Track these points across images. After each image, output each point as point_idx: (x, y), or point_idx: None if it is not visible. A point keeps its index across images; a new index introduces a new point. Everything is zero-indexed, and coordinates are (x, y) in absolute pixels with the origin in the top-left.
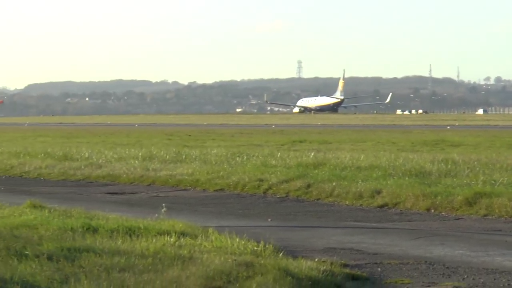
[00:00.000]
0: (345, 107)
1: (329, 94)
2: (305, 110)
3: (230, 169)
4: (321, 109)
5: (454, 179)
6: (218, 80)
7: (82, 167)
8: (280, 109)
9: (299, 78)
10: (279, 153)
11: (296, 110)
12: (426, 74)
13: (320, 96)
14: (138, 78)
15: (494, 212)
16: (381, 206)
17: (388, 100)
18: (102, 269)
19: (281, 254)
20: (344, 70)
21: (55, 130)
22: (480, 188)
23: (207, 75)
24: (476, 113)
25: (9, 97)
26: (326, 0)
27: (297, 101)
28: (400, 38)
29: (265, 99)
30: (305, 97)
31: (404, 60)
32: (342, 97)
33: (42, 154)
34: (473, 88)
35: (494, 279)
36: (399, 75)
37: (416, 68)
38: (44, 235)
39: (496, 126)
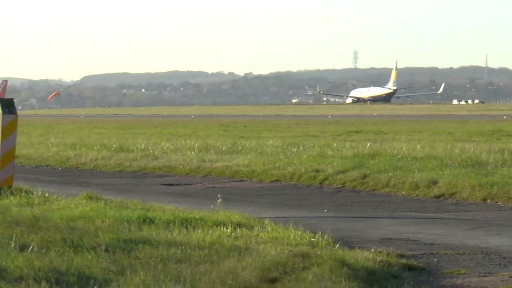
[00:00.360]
0: (397, 98)
1: (385, 84)
2: (358, 100)
3: (286, 160)
4: (374, 100)
5: (511, 169)
6: (274, 71)
7: (138, 158)
8: (336, 100)
9: (355, 69)
10: (335, 144)
11: (349, 100)
12: (482, 64)
13: (373, 86)
14: (194, 69)
15: None
16: (437, 197)
17: (440, 90)
18: (159, 260)
19: (337, 244)
20: (396, 61)
21: (111, 122)
22: None
23: (263, 66)
24: None
25: (65, 89)
26: None
27: (353, 92)
28: (456, 28)
29: (318, 89)
30: (361, 87)
31: (460, 50)
32: (394, 88)
33: (98, 146)
34: None
35: None
36: (455, 65)
37: (472, 58)
38: (100, 226)
39: None
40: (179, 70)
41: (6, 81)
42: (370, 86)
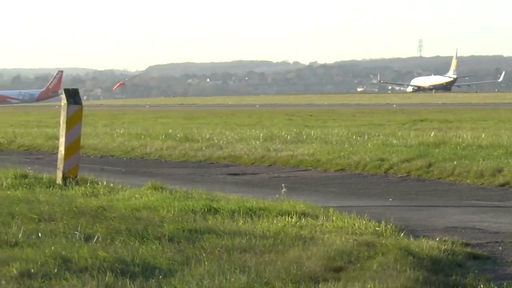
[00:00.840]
0: (458, 86)
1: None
2: (418, 89)
3: (351, 149)
4: (434, 88)
5: None
6: (339, 60)
7: (203, 148)
8: (401, 88)
9: (420, 57)
10: (400, 132)
11: (409, 89)
12: None
13: (433, 75)
14: (259, 59)
15: None
16: (503, 185)
17: (500, 79)
18: (223, 250)
19: (402, 233)
20: (457, 49)
21: (176, 111)
22: None
23: (328, 55)
24: None
25: (130, 79)
26: None
27: (413, 81)
28: None
29: (378, 78)
30: (426, 76)
31: None
32: (455, 76)
33: (163, 136)
34: None
35: None
36: None
37: None
38: (165, 216)
39: None
40: (244, 60)
41: (62, 71)
42: (435, 75)
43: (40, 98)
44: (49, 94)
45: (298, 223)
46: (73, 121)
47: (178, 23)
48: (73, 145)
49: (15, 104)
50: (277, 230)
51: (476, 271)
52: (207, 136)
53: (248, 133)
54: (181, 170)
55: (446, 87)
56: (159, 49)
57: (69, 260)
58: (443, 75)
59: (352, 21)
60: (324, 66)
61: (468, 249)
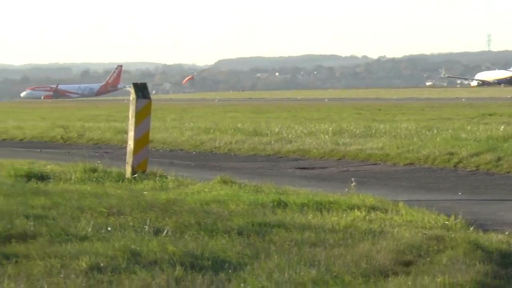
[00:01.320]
0: None
1: None
2: (483, 83)
3: (420, 143)
4: (498, 82)
5: None
6: (407, 54)
7: (272, 142)
8: (466, 82)
9: (489, 52)
10: (469, 127)
11: (474, 83)
12: None
13: (500, 69)
14: (327, 53)
15: None
16: None
17: None
18: (293, 244)
19: (471, 227)
20: None
21: (244, 105)
22: None
23: (396, 49)
24: None
25: (199, 73)
26: None
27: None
28: None
29: (443, 73)
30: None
31: None
32: None
33: (232, 129)
34: None
35: None
36: None
37: None
38: (234, 210)
39: None
40: (312, 54)
41: (121, 66)
42: (502, 69)
43: (100, 92)
44: (109, 88)
45: (367, 217)
46: (142, 115)
47: (246, 18)
48: (142, 139)
49: (84, 99)
50: (347, 224)
51: None
52: (276, 130)
53: (317, 127)
54: (250, 164)
55: (510, 82)
56: (228, 43)
57: (138, 253)
58: (507, 69)
59: (420, 15)
60: (392, 60)
61: None
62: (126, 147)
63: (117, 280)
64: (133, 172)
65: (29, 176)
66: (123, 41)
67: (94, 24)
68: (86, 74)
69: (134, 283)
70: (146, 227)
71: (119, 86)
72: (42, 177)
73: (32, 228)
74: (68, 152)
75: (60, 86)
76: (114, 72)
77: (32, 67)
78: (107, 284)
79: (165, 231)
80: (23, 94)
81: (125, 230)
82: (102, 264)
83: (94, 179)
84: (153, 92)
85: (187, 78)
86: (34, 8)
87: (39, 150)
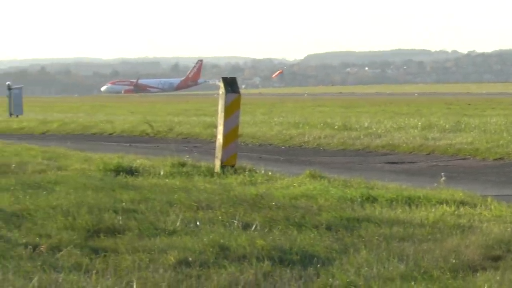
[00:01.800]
0: None
1: None
2: None
3: (509, 137)
4: None
5: None
6: (497, 49)
7: (361, 136)
8: None
9: None
10: None
11: None
12: None
13: None
14: (417, 47)
15: None
16: None
17: None
18: (382, 238)
19: None
20: None
21: (334, 100)
22: None
23: (487, 44)
24: None
25: (288, 67)
26: None
27: None
28: None
29: None
30: None
31: None
32: None
33: (321, 124)
34: None
35: None
36: None
37: None
38: (323, 205)
39: None
40: (402, 48)
41: (201, 60)
42: None
43: (180, 87)
44: (189, 83)
45: (456, 212)
46: (231, 110)
47: (336, 12)
48: (231, 134)
49: (173, 93)
50: (436, 219)
51: None
52: (366, 124)
53: (406, 121)
54: (339, 159)
55: None
56: (317, 37)
57: (227, 248)
58: None
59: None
60: (482, 55)
61: None
62: (215, 141)
63: (205, 274)
64: (222, 167)
65: (118, 170)
66: (213, 35)
67: (183, 18)
68: (175, 68)
69: (223, 278)
70: (235, 222)
71: (199, 81)
72: (131, 171)
73: (120, 222)
74: (157, 146)
75: (141, 81)
76: (194, 66)
77: (121, 61)
78: (195, 278)
79: (254, 226)
80: (103, 88)
81: (214, 224)
82: (190, 259)
83: (183, 174)
84: (243, 86)
85: (277, 73)
86: (124, 3)
87: (128, 144)
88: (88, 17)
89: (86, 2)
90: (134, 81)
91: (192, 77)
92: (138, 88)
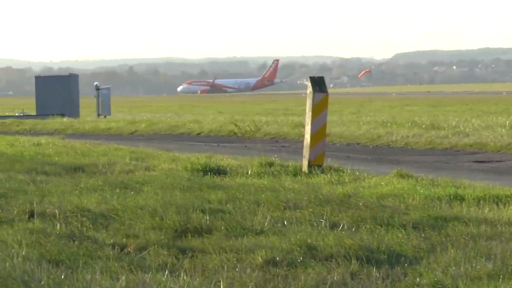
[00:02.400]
0: None
1: None
2: None
3: None
4: None
5: None
6: None
7: (449, 135)
8: None
9: None
10: None
11: None
12: None
13: None
14: (506, 46)
15: None
16: None
17: None
18: (469, 237)
19: None
20: None
21: (422, 99)
22: None
23: None
24: None
25: (376, 66)
26: None
27: None
28: None
29: None
30: None
31: None
32: None
33: (409, 123)
34: None
35: None
36: None
37: None
38: (410, 204)
39: None
40: (490, 47)
41: (277, 60)
42: None
43: (256, 87)
44: (265, 83)
45: None
46: (319, 109)
47: (423, 12)
48: (318, 133)
49: (263, 92)
50: None
51: None
52: (453, 123)
53: (494, 120)
54: (426, 158)
55: None
56: (405, 36)
57: (314, 247)
58: None
59: None
60: None
61: None
62: (303, 141)
63: (292, 274)
64: (310, 166)
65: (206, 170)
66: (302, 35)
67: (272, 18)
68: (263, 67)
69: (310, 277)
70: (323, 221)
71: (275, 80)
72: (219, 171)
73: (208, 222)
74: (245, 146)
75: (217, 81)
76: (270, 66)
77: (210, 61)
78: (282, 278)
79: (341, 225)
80: (179, 88)
81: (301, 224)
82: (278, 258)
83: (270, 173)
84: (331, 85)
85: (363, 72)
86: (210, 3)
87: (216, 144)
88: (177, 17)
89: (174, 2)
90: (211, 81)
91: (268, 76)
92: (214, 88)
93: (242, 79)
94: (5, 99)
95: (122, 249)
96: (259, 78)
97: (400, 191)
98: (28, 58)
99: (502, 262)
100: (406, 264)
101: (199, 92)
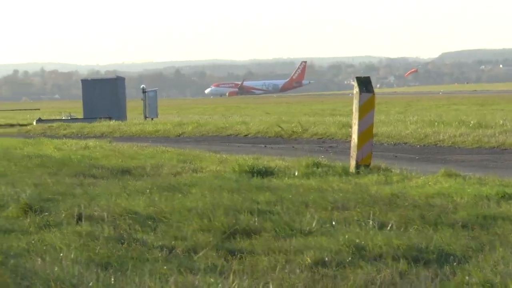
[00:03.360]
0: None
1: None
2: None
3: None
4: None
5: None
6: None
7: (496, 134)
8: None
9: None
10: None
11: None
12: None
13: None
14: None
15: None
16: None
17: None
18: None
19: None
20: None
21: (469, 98)
22: None
23: None
24: None
25: (423, 66)
26: None
27: None
28: None
29: None
30: None
31: None
32: None
33: (456, 122)
34: None
35: None
36: None
37: None
38: (458, 203)
39: None
40: None
41: (305, 62)
42: None
43: (284, 88)
44: (293, 84)
45: None
46: (366, 109)
47: (468, 10)
48: (366, 133)
49: (310, 94)
50: None
51: None
52: (500, 122)
53: None
54: (474, 157)
55: None
56: (451, 35)
57: (363, 248)
58: None
59: None
60: None
61: None
62: (350, 141)
63: (341, 274)
64: (357, 166)
65: (253, 171)
66: (347, 35)
67: (313, 18)
68: (309, 68)
69: (359, 277)
70: (371, 221)
71: (303, 82)
72: (266, 172)
73: (256, 224)
74: (293, 147)
75: (245, 83)
76: (298, 68)
77: (256, 62)
78: (331, 278)
79: (390, 225)
80: (207, 90)
81: (349, 224)
82: (326, 259)
83: (318, 174)
84: (377, 85)
85: (410, 71)
86: (258, 5)
87: (263, 145)
88: (223, 19)
89: (222, 6)
90: (239, 83)
91: (296, 78)
92: (243, 90)
93: (270, 81)
94: (52, 103)
95: (170, 251)
96: (287, 79)
97: (448, 190)
98: (74, 61)
99: None
100: (455, 263)
101: (227, 94)
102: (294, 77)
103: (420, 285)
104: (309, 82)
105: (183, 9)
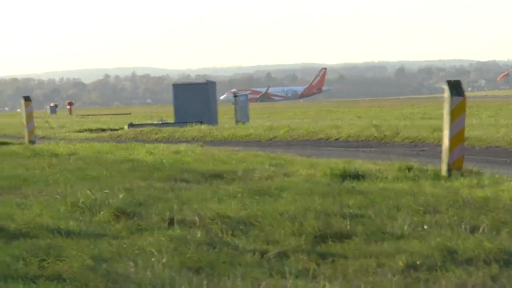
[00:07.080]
0: None
1: None
2: None
3: None
4: None
5: None
6: None
7: None
8: None
9: None
10: None
11: None
12: None
13: None
14: None
15: None
16: None
17: None
18: None
19: None
20: None
21: None
22: None
23: None
24: None
25: None
26: None
27: None
28: None
29: None
30: None
31: None
32: None
33: None
34: None
35: None
36: None
37: None
38: None
39: None
40: None
41: (325, 68)
42: None
43: (304, 94)
44: (313, 91)
45: None
46: (457, 113)
47: None
48: (457, 137)
49: (291, 101)
50: None
51: None
52: None
53: None
54: None
55: None
56: None
57: (454, 251)
58: None
59: None
60: None
61: None
62: (441, 145)
63: (433, 278)
64: (449, 170)
65: (345, 175)
66: (438, 38)
67: (410, 21)
68: (400, 72)
69: (450, 281)
70: (462, 225)
71: (323, 88)
72: (358, 176)
73: (348, 227)
74: (384, 151)
75: (262, 89)
76: (318, 74)
77: (348, 66)
78: (423, 282)
79: (481, 229)
80: (222, 97)
81: (441, 228)
82: (418, 263)
83: (410, 178)
84: (469, 89)
85: (502, 75)
86: (347, 10)
87: (354, 149)
88: (314, 22)
89: (312, 7)
90: (254, 90)
91: (316, 84)
92: (263, 97)
93: (289, 87)
94: (143, 107)
95: (262, 255)
96: (307, 86)
97: None
98: (166, 66)
99: None
100: None
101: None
102: (313, 84)
103: None
104: (330, 88)
105: (272, 13)
